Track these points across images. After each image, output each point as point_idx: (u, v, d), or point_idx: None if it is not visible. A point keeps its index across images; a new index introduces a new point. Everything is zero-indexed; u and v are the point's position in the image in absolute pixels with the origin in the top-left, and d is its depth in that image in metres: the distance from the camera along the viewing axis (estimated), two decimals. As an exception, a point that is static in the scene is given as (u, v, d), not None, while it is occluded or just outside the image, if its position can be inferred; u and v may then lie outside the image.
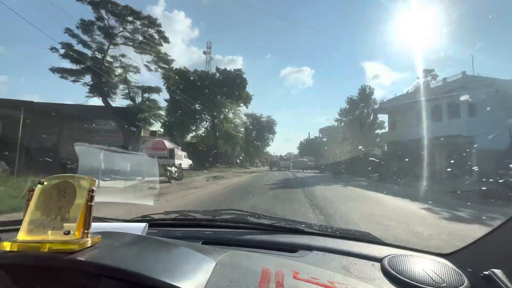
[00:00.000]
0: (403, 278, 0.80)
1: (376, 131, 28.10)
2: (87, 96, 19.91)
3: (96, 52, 19.28)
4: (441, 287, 0.77)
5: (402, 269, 0.85)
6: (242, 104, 39.47)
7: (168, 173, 12.25)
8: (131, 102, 20.86)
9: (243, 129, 46.42)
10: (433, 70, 30.52)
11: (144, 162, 11.86)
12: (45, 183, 0.63)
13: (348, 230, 1.38)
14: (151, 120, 22.02)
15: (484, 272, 0.76)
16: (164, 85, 30.51)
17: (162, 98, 33.30)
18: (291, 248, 1.06)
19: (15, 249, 0.56)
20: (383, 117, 28.72)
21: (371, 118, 28.40)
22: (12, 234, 0.61)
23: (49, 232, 0.58)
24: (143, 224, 1.00)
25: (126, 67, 20.56)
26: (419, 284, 0.77)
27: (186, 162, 22.67)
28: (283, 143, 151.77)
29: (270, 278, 0.63)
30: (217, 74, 37.87)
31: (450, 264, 0.90)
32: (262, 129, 57.52)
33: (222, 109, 35.75)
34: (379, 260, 0.94)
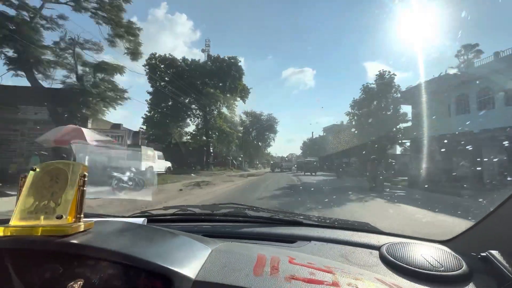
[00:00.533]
0: (401, 264, 0.80)
1: (398, 126, 22.22)
2: (9, 71, 13.29)
3: (20, 10, 12.54)
4: (439, 271, 0.77)
5: (400, 255, 0.85)
6: (238, 98, 33.92)
7: (115, 182, 8.30)
8: (75, 82, 14.28)
9: (241, 128, 42.79)
10: (476, 45, 24.64)
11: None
12: (37, 169, 0.63)
13: (347, 221, 1.37)
14: (103, 107, 14.93)
15: (482, 254, 0.76)
16: (146, 75, 26.97)
17: (144, 91, 29.50)
18: (290, 239, 1.06)
19: (8, 234, 0.56)
20: (405, 108, 23.09)
21: (391, 110, 22.69)
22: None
23: (42, 217, 0.59)
24: (142, 219, 1.02)
25: (66, 33, 14.01)
26: (417, 269, 0.77)
27: (160, 165, 18.66)
28: (285, 144, 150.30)
29: (265, 263, 0.63)
30: (209, 63, 32.11)
31: (448, 250, 0.90)
32: (262, 128, 53.37)
33: (214, 102, 30.62)
34: (377, 248, 0.93)
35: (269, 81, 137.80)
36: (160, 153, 19.57)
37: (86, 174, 0.63)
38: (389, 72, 22.73)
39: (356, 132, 25.01)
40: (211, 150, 33.05)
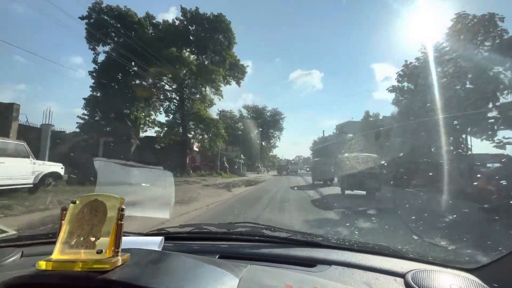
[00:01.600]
0: None
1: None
2: None
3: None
4: None
5: (427, 284, 0.82)
6: (229, 77, 23.66)
7: None
8: None
9: (240, 124, 37.22)
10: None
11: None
12: (77, 202, 0.65)
13: (367, 243, 1.35)
14: None
15: None
16: (85, 33, 17.87)
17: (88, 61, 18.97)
18: (309, 263, 1.05)
19: (50, 268, 0.58)
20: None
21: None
22: (40, 248, 0.62)
23: (82, 251, 0.60)
24: (160, 238, 1.02)
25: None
26: None
27: (20, 169, 7.95)
28: (291, 147, 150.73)
29: None
30: (184, 22, 21.42)
31: (477, 280, 0.87)
32: (266, 124, 44.38)
33: (191, 77, 21.38)
34: (401, 275, 0.92)
35: (276, 83, 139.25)
36: (22, 145, 8.25)
37: (124, 207, 0.65)
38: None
39: (407, 116, 16.17)
40: (192, 147, 23.74)
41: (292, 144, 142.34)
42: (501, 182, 7.75)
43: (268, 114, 45.70)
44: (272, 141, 47.66)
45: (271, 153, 54.54)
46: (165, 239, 1.06)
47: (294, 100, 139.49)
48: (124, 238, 1.04)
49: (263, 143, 44.00)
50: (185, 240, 1.36)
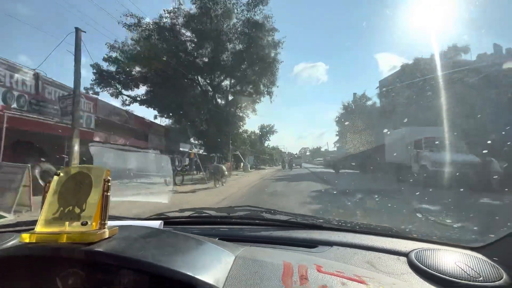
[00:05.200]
0: (434, 273, 0.75)
1: None
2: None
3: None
4: (477, 281, 0.71)
5: (431, 263, 0.80)
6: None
7: None
8: None
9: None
10: None
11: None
12: (61, 174, 0.63)
13: (369, 225, 1.32)
14: None
15: None
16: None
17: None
18: (310, 244, 1.03)
19: (34, 241, 0.55)
20: None
21: None
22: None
23: (67, 223, 0.58)
24: (159, 222, 1.01)
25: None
26: (453, 279, 0.72)
27: None
28: (296, 141, 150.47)
29: (293, 271, 0.61)
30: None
31: (483, 258, 0.84)
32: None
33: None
34: (405, 254, 0.89)
35: (280, 76, 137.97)
36: None
37: (110, 178, 0.62)
38: None
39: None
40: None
41: (298, 137, 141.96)
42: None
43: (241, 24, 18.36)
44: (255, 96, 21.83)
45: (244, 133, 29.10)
46: (165, 224, 1.05)
47: (299, 93, 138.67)
48: (120, 222, 1.03)
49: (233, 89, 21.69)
50: (185, 224, 1.34)
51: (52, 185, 0.62)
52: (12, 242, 0.87)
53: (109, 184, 0.61)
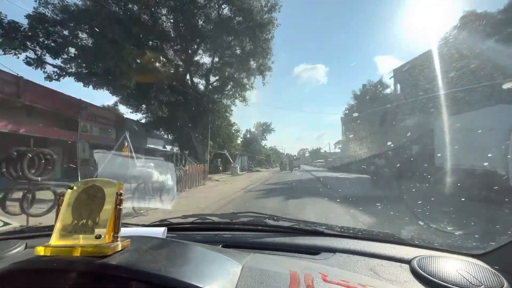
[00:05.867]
0: (436, 280, 0.77)
1: None
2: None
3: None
4: None
5: (433, 270, 0.81)
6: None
7: None
8: None
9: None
10: None
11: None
12: (75, 187, 0.64)
13: (371, 231, 1.34)
14: None
15: None
16: None
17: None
18: (313, 251, 1.04)
19: (48, 254, 0.57)
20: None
21: None
22: (44, 240, 0.62)
23: (81, 236, 0.59)
24: (162, 229, 1.02)
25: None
26: (454, 287, 0.74)
27: None
28: (294, 142, 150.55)
29: (299, 281, 0.63)
30: None
31: (485, 265, 0.86)
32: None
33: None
34: (407, 261, 0.90)
35: (280, 78, 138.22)
36: None
37: (122, 192, 0.64)
38: None
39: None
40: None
41: (296, 139, 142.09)
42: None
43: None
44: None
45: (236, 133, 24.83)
46: (168, 230, 1.06)
47: (299, 95, 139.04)
48: (126, 229, 1.04)
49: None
50: (188, 230, 1.36)
51: (65, 198, 0.63)
52: (18, 250, 0.88)
53: (121, 197, 0.63)
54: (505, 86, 10.30)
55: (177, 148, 17.29)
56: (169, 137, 18.57)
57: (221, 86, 17.97)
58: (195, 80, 17.63)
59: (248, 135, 39.07)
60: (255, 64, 16.91)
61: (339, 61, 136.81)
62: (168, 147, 18.30)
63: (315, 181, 14.98)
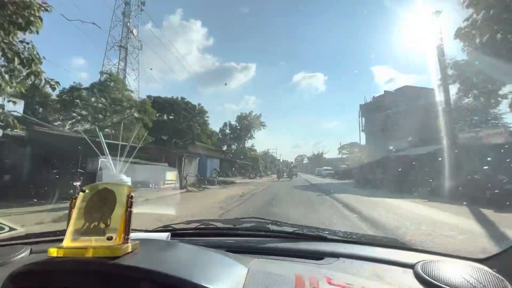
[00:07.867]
0: (441, 285, 0.77)
1: None
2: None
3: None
4: None
5: (437, 275, 0.82)
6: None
7: None
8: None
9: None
10: None
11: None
12: (87, 190, 0.66)
13: (375, 236, 1.34)
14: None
15: None
16: None
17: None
18: (317, 256, 1.05)
19: (61, 255, 0.58)
20: None
21: None
22: (48, 245, 0.64)
23: (93, 238, 0.61)
24: (166, 234, 1.03)
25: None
26: None
27: None
28: (292, 149, 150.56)
29: (304, 284, 0.63)
30: None
31: (488, 270, 0.86)
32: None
33: None
34: (411, 266, 0.91)
35: (280, 86, 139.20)
36: None
37: (133, 195, 0.65)
38: None
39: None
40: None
41: (294, 146, 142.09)
42: None
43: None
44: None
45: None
46: (172, 236, 1.07)
47: (297, 102, 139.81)
48: (132, 234, 1.06)
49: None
50: (192, 236, 1.36)
51: (78, 201, 0.65)
52: (23, 255, 0.89)
53: (132, 200, 0.64)
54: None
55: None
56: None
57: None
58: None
59: (227, 131, 28.93)
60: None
61: (338, 70, 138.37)
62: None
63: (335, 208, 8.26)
